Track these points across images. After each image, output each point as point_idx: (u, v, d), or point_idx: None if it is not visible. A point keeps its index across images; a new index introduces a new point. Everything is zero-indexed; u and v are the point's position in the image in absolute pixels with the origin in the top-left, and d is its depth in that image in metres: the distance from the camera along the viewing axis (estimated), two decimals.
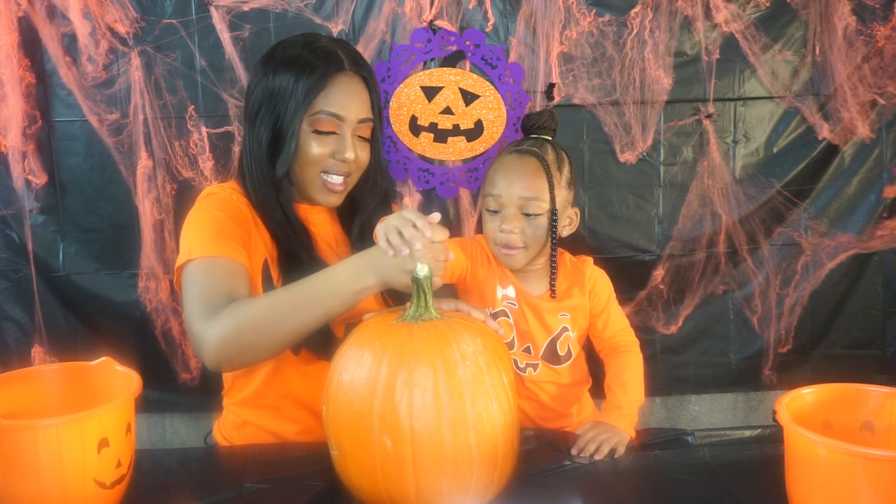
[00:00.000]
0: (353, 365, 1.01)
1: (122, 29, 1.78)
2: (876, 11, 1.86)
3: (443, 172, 1.90)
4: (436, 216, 1.08)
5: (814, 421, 0.99)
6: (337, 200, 1.36)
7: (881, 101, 1.90)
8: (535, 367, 1.41)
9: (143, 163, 1.84)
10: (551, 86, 1.85)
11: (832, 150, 1.95)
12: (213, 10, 1.78)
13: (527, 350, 1.41)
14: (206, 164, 1.86)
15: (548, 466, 1.17)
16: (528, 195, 1.34)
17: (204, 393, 1.93)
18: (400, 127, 1.87)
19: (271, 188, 1.30)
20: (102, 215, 1.89)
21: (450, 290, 1.47)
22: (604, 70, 1.86)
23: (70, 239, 1.90)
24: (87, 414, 0.95)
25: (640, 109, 1.89)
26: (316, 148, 1.28)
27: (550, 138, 1.43)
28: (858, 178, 1.96)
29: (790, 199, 1.95)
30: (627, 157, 1.91)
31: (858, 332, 2.05)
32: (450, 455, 0.96)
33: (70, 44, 1.80)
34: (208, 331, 1.10)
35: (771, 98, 1.92)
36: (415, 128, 1.86)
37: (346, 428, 0.99)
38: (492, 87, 1.85)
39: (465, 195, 1.91)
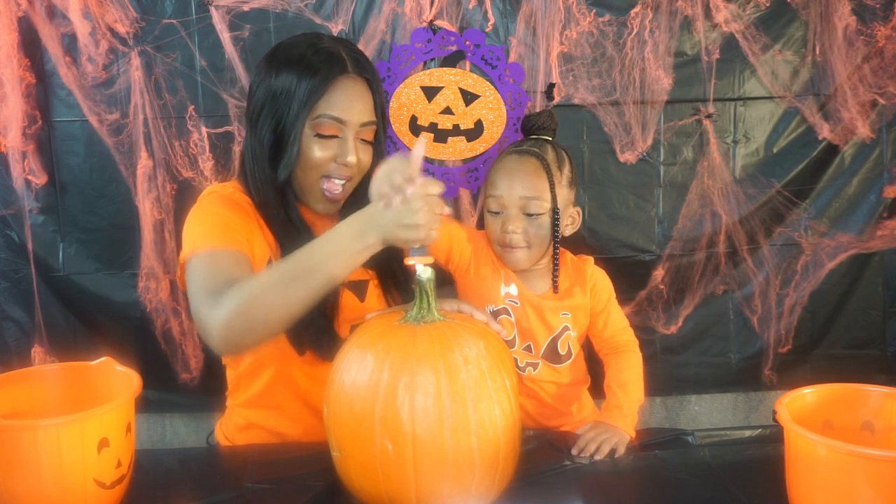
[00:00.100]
0: (355, 367, 1.00)
1: (122, 29, 1.78)
2: (876, 11, 1.86)
3: (443, 172, 1.90)
4: (419, 147, 1.05)
5: (814, 421, 0.99)
6: (334, 209, 1.35)
7: (881, 101, 1.90)
8: (535, 366, 1.41)
9: (143, 163, 1.84)
10: (551, 86, 1.85)
11: (832, 150, 1.95)
12: (213, 10, 1.78)
13: (527, 349, 1.41)
14: (206, 164, 1.86)
15: (548, 466, 1.17)
16: (530, 195, 1.34)
17: (204, 393, 1.93)
18: (400, 127, 1.87)
19: (273, 191, 1.29)
20: (102, 215, 1.89)
21: (450, 291, 1.46)
22: (604, 70, 1.86)
23: (70, 239, 1.90)
24: (87, 414, 0.95)
25: (640, 109, 1.89)
26: (318, 152, 1.27)
27: (550, 138, 1.43)
28: (858, 178, 1.96)
29: (790, 199, 1.95)
30: (627, 157, 1.91)
31: (858, 332, 2.05)
32: (451, 458, 0.96)
33: (70, 44, 1.80)
34: (214, 313, 1.08)
35: (771, 98, 1.92)
36: (415, 128, 1.86)
37: (347, 430, 0.99)
38: (492, 87, 1.85)
39: (465, 195, 1.91)
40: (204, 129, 1.84)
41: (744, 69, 1.90)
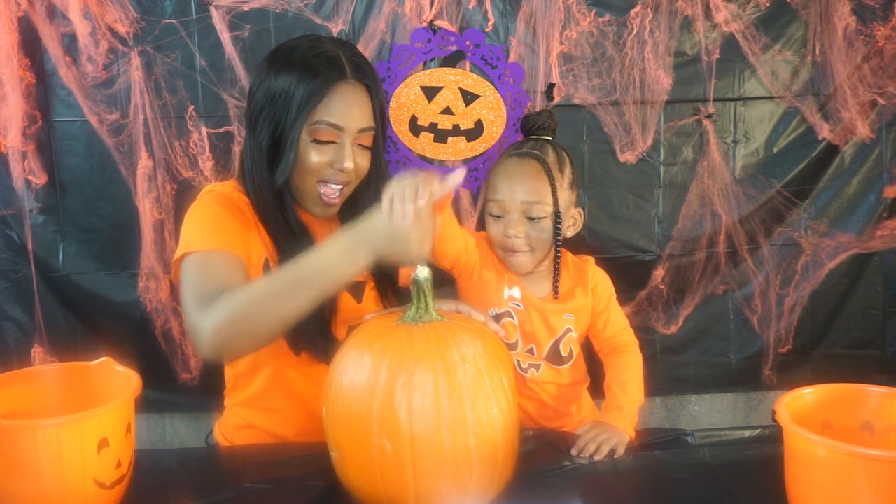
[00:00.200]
0: (353, 367, 1.00)
1: (122, 29, 1.78)
2: (876, 11, 1.86)
3: (443, 173, 1.89)
4: (457, 178, 1.10)
5: (814, 421, 0.99)
6: (332, 213, 1.35)
7: (881, 101, 1.90)
8: (537, 367, 1.41)
9: (143, 163, 1.84)
10: (551, 86, 1.85)
11: (832, 150, 1.95)
12: (213, 10, 1.78)
13: (530, 351, 1.41)
14: (206, 164, 1.86)
15: (548, 467, 1.17)
16: (531, 199, 1.34)
17: (204, 393, 1.93)
18: (400, 127, 1.87)
19: (271, 194, 1.29)
20: (102, 215, 1.89)
21: (449, 291, 1.46)
22: (604, 70, 1.86)
23: (70, 239, 1.90)
24: (87, 414, 0.95)
25: (640, 109, 1.89)
26: (314, 157, 1.26)
27: (550, 139, 1.42)
28: (858, 178, 1.96)
29: (790, 199, 1.95)
30: (627, 157, 1.91)
31: (858, 332, 2.05)
32: (449, 458, 0.96)
33: (70, 44, 1.80)
34: (204, 321, 1.08)
35: (771, 98, 1.92)
36: (415, 128, 1.86)
37: (346, 430, 0.99)
38: (492, 87, 1.85)
39: (465, 195, 1.91)
40: (204, 129, 1.84)
41: (744, 69, 1.90)
